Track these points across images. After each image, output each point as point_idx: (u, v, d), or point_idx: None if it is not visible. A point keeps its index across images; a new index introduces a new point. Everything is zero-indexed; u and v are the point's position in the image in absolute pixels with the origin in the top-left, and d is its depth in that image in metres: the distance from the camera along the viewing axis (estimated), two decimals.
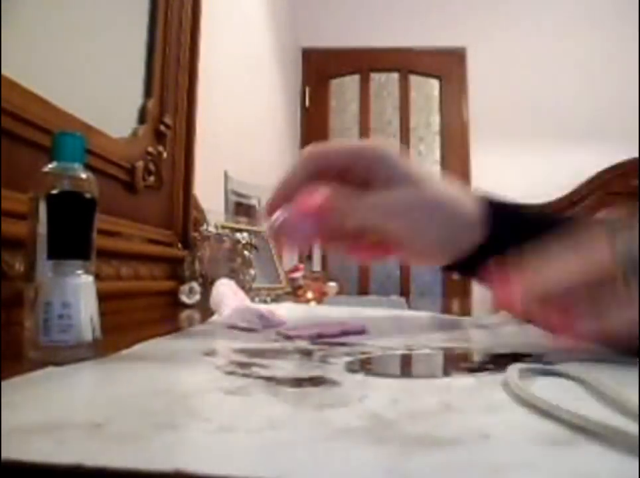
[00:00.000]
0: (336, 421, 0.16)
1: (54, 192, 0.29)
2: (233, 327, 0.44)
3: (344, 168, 0.38)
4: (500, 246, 0.37)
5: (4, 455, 0.12)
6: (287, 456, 0.13)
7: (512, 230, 0.39)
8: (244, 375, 0.23)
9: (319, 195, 0.37)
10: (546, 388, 0.22)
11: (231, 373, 0.24)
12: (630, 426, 0.14)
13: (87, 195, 0.29)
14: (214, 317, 0.53)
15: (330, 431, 0.15)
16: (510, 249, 0.34)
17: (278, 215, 0.38)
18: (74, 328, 0.28)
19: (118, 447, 0.13)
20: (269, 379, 0.22)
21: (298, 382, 0.22)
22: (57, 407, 0.17)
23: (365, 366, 0.29)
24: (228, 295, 0.54)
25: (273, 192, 0.39)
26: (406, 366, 0.31)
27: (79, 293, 0.28)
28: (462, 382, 0.22)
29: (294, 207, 0.38)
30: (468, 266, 0.40)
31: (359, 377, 0.24)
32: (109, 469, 0.12)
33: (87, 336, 0.28)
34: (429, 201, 0.38)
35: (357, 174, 0.38)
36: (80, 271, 0.29)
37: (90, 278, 0.29)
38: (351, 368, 0.26)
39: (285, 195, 0.38)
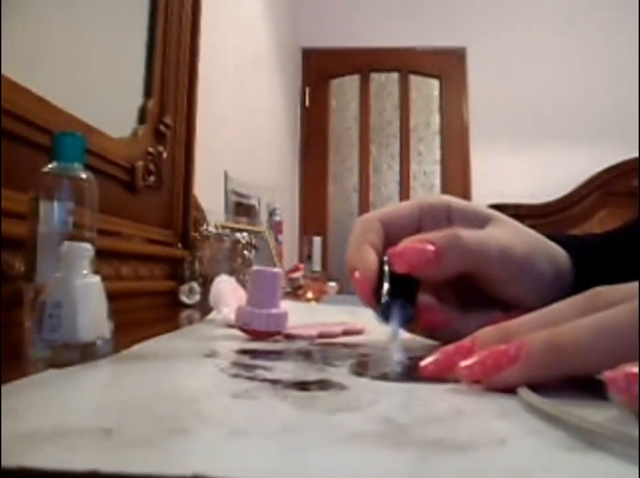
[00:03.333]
0: (350, 425, 0.16)
1: None
2: (232, 326, 0.44)
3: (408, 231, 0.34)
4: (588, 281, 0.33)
5: (17, 463, 0.12)
6: (307, 460, 0.13)
7: (594, 264, 0.36)
8: (249, 378, 0.23)
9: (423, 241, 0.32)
10: (551, 393, 0.21)
11: (235, 376, 0.23)
12: None
13: None
14: (213, 315, 0.52)
15: (346, 436, 0.15)
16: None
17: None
18: (75, 328, 0.28)
19: (132, 453, 0.13)
20: (274, 382, 0.22)
21: (305, 386, 0.22)
22: (62, 412, 0.17)
23: (369, 368, 0.29)
24: (227, 293, 0.54)
25: (362, 276, 0.33)
26: (410, 369, 0.31)
27: (80, 294, 0.28)
28: (468, 386, 0.22)
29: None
30: None
31: (365, 380, 0.23)
32: (126, 474, 0.12)
33: (88, 337, 0.28)
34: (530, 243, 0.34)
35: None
36: (85, 272, 0.29)
37: (96, 279, 0.29)
38: (356, 371, 0.26)
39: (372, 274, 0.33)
